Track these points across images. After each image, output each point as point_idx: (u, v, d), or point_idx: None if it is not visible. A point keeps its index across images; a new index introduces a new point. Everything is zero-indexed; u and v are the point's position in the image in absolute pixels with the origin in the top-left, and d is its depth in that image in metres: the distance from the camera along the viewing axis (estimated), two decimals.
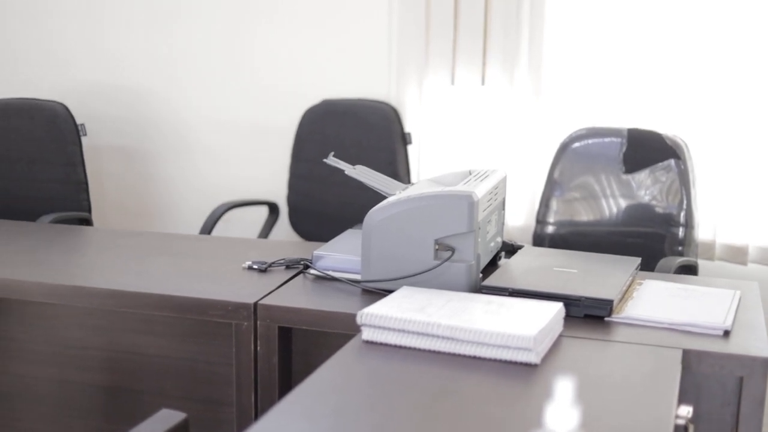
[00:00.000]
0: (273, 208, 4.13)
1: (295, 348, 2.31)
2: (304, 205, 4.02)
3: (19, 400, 2.61)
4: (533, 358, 1.79)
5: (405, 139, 3.87)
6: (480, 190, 2.24)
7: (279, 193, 4.11)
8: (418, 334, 1.87)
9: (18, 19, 4.49)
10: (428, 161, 3.99)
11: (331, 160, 2.54)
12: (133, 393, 2.51)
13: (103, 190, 4.42)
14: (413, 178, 3.92)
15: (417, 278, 2.21)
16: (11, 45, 4.53)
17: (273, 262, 2.52)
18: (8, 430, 2.64)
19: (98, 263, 2.73)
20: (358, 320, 1.91)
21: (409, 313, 1.91)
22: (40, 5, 4.45)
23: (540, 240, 3.37)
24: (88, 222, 3.73)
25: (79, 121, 3.80)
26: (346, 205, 3.84)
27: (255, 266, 2.52)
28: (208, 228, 3.80)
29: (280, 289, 2.35)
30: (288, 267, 2.52)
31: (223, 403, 2.39)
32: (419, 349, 1.87)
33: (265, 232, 4.07)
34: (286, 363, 2.28)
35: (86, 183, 3.79)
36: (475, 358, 1.82)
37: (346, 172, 2.52)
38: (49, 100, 3.85)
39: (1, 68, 4.55)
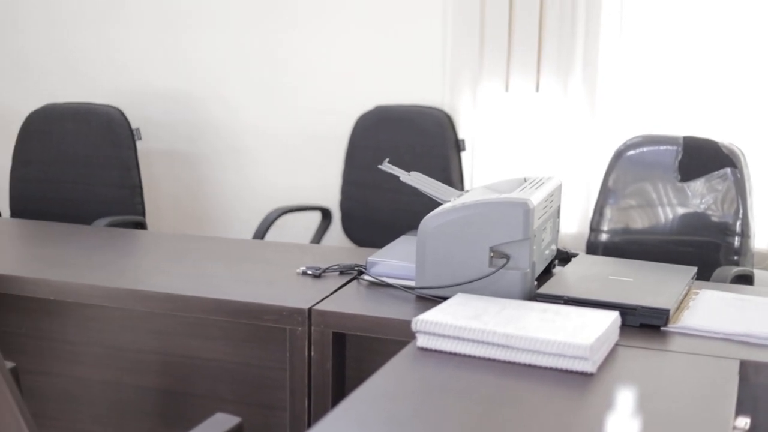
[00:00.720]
0: (326, 214, 4.13)
1: (349, 354, 2.31)
2: (357, 211, 4.02)
3: (74, 402, 2.64)
4: (589, 367, 1.78)
5: (459, 146, 3.86)
6: (535, 198, 2.24)
7: (332, 199, 4.12)
8: (473, 341, 1.87)
9: (74, 25, 4.54)
10: (482, 168, 3.99)
11: (386, 167, 2.54)
12: (187, 396, 2.53)
13: (157, 194, 4.46)
14: (466, 185, 3.91)
15: (472, 285, 2.20)
16: (68, 50, 4.58)
17: (327, 268, 2.53)
18: (63, 431, 2.67)
19: (153, 267, 2.75)
20: (413, 327, 1.91)
21: (464, 321, 1.90)
22: (96, 11, 4.50)
23: (593, 248, 3.34)
24: (142, 225, 3.77)
25: (134, 125, 3.84)
26: (399, 212, 3.84)
27: (309, 272, 2.52)
28: (261, 233, 3.81)
29: (334, 294, 2.35)
30: (342, 273, 2.52)
31: (277, 408, 2.40)
32: (474, 357, 1.86)
33: (318, 237, 4.08)
34: (339, 369, 2.29)
35: (141, 187, 3.82)
36: (530, 366, 1.82)
37: (401, 179, 2.52)
38: (104, 105, 3.89)
39: (58, 73, 4.60)
